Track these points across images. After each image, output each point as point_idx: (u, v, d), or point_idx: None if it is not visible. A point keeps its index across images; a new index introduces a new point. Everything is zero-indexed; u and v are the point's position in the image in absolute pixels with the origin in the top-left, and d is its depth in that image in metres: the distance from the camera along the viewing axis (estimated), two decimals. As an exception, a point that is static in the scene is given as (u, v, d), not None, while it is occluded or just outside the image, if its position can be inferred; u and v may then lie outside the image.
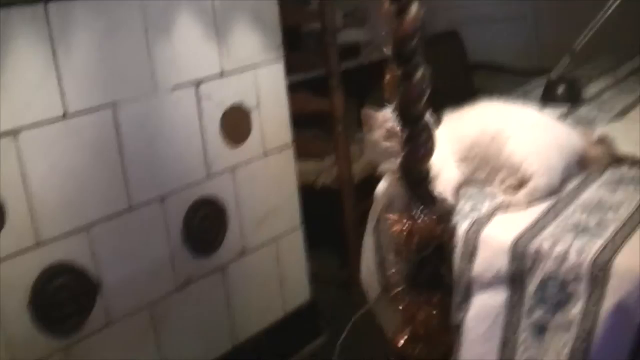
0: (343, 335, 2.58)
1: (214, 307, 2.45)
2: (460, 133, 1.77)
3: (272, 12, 2.53)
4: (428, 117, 1.51)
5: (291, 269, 2.76)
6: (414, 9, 1.42)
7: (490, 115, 1.80)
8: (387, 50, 1.48)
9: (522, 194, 1.64)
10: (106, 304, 2.11)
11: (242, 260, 2.53)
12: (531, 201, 1.62)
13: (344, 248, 3.24)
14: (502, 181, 1.71)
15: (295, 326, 2.75)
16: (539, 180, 1.64)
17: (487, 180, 1.75)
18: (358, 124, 1.84)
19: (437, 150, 1.54)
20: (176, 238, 2.29)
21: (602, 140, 1.85)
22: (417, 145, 1.51)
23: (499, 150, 1.71)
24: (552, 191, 1.64)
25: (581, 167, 1.76)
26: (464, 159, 1.75)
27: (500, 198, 1.67)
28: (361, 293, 2.01)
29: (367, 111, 1.74)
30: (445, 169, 1.70)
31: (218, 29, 2.34)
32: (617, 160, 1.79)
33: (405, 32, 1.44)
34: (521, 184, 1.67)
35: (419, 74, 1.46)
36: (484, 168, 1.74)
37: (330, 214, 3.26)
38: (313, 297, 2.87)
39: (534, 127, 1.74)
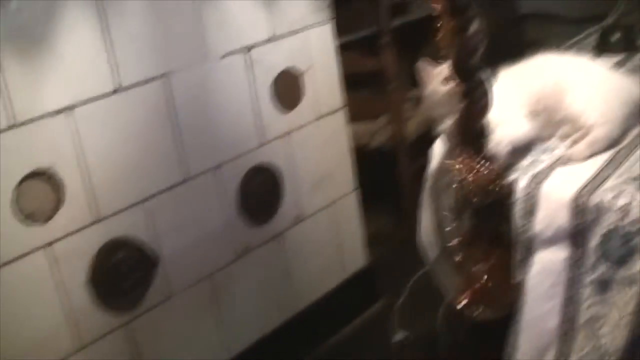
0: (401, 300, 2.60)
1: (272, 275, 2.50)
2: (524, 87, 1.80)
3: (322, -29, 2.54)
4: (484, 72, 1.55)
5: (348, 234, 2.76)
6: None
7: (549, 67, 1.83)
8: (436, 5, 1.51)
9: (583, 144, 1.67)
10: (166, 277, 2.16)
11: (298, 227, 2.56)
12: (593, 152, 1.65)
13: (400, 207, 3.27)
14: (564, 134, 1.75)
15: (354, 291, 2.77)
16: (600, 131, 1.67)
17: (551, 135, 1.78)
18: (411, 83, 1.87)
19: (503, 105, 1.58)
20: (232, 207, 2.34)
21: None
22: (473, 101, 1.57)
23: (559, 102, 1.74)
24: (613, 141, 1.67)
25: None
26: (533, 113, 1.78)
27: (561, 150, 1.70)
28: (419, 253, 2.03)
29: (421, 64, 1.77)
30: (513, 123, 1.74)
31: (267, -9, 2.37)
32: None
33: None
34: (582, 136, 1.69)
35: (474, 26, 1.51)
36: (551, 121, 1.77)
37: (386, 174, 3.28)
38: (371, 261, 2.88)
39: (592, 77, 1.77)
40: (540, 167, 1.64)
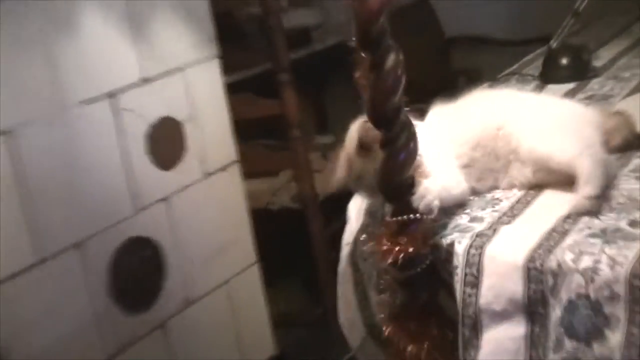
0: None
1: None
2: (457, 130, 1.78)
3: (201, -4, 2.53)
4: (405, 115, 1.50)
5: (250, 317, 2.77)
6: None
7: (490, 106, 1.83)
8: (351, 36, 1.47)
9: (584, 188, 1.60)
10: None
11: (187, 312, 2.53)
12: (597, 193, 1.59)
13: (314, 280, 3.23)
14: (515, 182, 1.75)
15: None
16: (587, 164, 1.62)
17: (492, 186, 1.77)
18: (316, 127, 1.85)
19: (432, 152, 1.57)
20: (102, 293, 2.27)
21: (620, 114, 1.88)
22: (397, 149, 1.51)
23: (505, 146, 1.73)
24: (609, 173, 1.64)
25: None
26: (470, 160, 1.76)
27: (505, 204, 1.68)
28: (342, 336, 2.02)
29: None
30: (445, 173, 1.70)
31: (134, 23, 2.33)
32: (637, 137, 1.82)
33: (371, 9, 1.42)
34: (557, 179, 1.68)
35: (390, 59, 1.46)
36: (492, 170, 1.76)
37: (293, 241, 3.26)
38: (281, 349, 2.85)
39: (545, 111, 1.78)
40: (482, 225, 1.61)
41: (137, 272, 2.35)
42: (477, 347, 1.54)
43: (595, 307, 1.40)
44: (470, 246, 1.55)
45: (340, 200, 2.07)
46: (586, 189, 1.59)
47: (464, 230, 1.60)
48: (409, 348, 1.63)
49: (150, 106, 2.39)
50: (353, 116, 1.75)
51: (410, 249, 1.55)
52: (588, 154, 1.63)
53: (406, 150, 1.51)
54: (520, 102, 1.85)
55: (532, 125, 1.72)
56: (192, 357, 2.54)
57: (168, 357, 2.47)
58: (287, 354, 2.89)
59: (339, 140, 1.80)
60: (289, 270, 3.37)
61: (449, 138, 1.75)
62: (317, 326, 3.26)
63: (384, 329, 1.69)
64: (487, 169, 1.76)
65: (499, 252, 1.53)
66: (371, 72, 1.47)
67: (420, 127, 1.60)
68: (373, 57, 1.46)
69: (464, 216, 1.66)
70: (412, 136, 1.51)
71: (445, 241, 1.59)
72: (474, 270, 1.54)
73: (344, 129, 1.78)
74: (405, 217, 1.54)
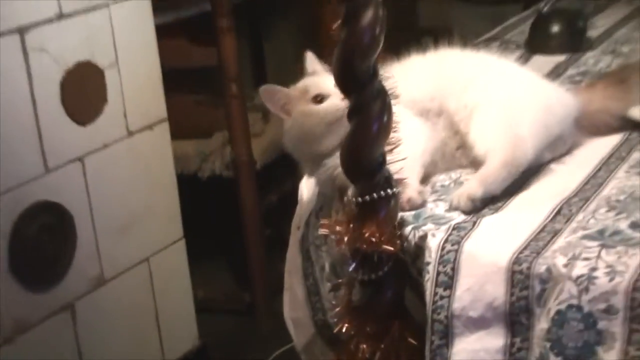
0: None
1: None
2: (414, 81, 1.79)
3: None
4: (380, 81, 1.49)
5: (171, 301, 2.76)
6: None
7: (451, 63, 1.86)
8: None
9: (474, 181, 1.66)
10: None
11: (98, 292, 2.52)
12: (486, 193, 1.63)
13: (244, 262, 3.23)
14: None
15: None
16: (495, 160, 1.67)
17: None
18: (255, 82, 1.85)
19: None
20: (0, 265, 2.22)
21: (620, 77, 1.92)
22: (369, 119, 1.49)
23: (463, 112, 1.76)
24: (513, 179, 1.67)
25: (582, 127, 1.82)
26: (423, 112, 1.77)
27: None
28: (272, 328, 2.13)
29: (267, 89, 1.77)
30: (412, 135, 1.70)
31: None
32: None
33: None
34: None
35: (369, 13, 1.43)
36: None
37: (223, 215, 3.26)
38: (203, 340, 2.87)
39: (509, 93, 1.78)
40: (460, 216, 1.60)
41: (43, 242, 2.32)
42: (446, 358, 1.53)
43: (588, 321, 1.39)
44: (446, 240, 1.53)
45: (281, 171, 2.06)
46: (473, 187, 1.63)
47: (439, 221, 1.59)
48: (362, 347, 1.61)
49: (67, 47, 2.36)
50: (298, 71, 1.76)
51: (374, 239, 1.53)
52: (505, 157, 1.66)
53: (379, 122, 1.48)
54: (491, 75, 1.84)
55: (489, 109, 1.73)
56: (102, 344, 2.53)
57: (74, 342, 2.46)
58: (208, 346, 2.88)
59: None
60: (216, 249, 3.36)
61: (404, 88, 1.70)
62: (244, 315, 3.26)
63: (337, 327, 1.67)
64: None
65: (480, 249, 1.51)
66: (344, 25, 1.44)
67: None
68: (348, 7, 1.43)
69: (440, 203, 1.65)
70: (387, 107, 1.49)
71: (417, 233, 1.57)
72: (449, 269, 1.52)
73: (287, 82, 1.80)
74: (372, 195, 1.52)
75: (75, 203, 2.40)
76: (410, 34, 2.70)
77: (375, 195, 1.51)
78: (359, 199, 1.52)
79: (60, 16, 2.31)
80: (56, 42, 2.31)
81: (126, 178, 2.55)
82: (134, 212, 2.59)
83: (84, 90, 2.39)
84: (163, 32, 2.72)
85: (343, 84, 1.49)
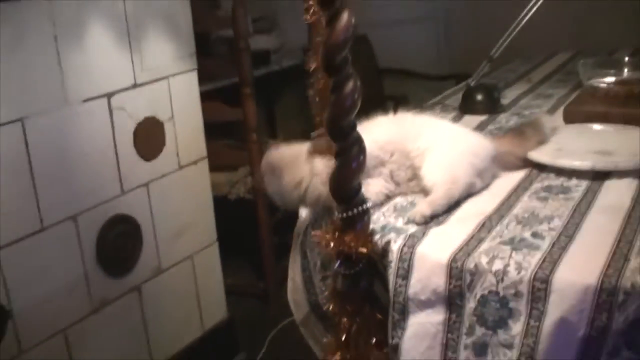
0: (260, 354, 2.58)
1: (130, 328, 2.39)
2: (376, 135, 1.74)
3: (186, 17, 2.46)
4: (356, 131, 1.46)
5: (208, 286, 2.69)
6: (345, 17, 1.35)
7: (403, 122, 1.81)
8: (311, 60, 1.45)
9: (425, 203, 1.62)
10: (18, 332, 2.00)
11: (158, 279, 2.47)
12: (434, 212, 1.61)
13: (259, 260, 3.20)
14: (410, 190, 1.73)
15: (213, 344, 2.70)
16: (441, 190, 1.64)
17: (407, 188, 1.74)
18: (268, 133, 1.82)
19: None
20: (90, 258, 2.23)
21: (533, 125, 1.91)
22: (350, 158, 1.46)
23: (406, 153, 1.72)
24: (454, 201, 1.65)
25: (499, 164, 1.79)
26: (382, 162, 1.73)
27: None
28: (280, 307, 2.04)
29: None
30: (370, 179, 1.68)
31: (131, 36, 2.24)
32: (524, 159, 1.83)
33: (336, 41, 1.37)
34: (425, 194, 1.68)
35: (350, 84, 1.41)
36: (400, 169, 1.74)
37: (245, 226, 3.23)
38: (231, 314, 2.80)
39: (449, 142, 1.75)
40: (414, 228, 1.57)
41: (120, 243, 2.31)
42: (403, 328, 1.51)
43: (503, 302, 1.38)
44: (404, 245, 1.51)
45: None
46: (424, 208, 1.60)
47: (399, 231, 1.56)
48: (344, 321, 1.58)
49: (139, 107, 2.33)
50: (298, 125, 1.73)
51: (353, 244, 1.51)
52: (446, 187, 1.64)
53: (357, 160, 1.46)
54: (436, 129, 1.81)
55: (434, 152, 1.70)
56: (160, 315, 2.49)
57: (141, 313, 2.44)
58: (235, 317, 2.85)
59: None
60: (240, 251, 3.32)
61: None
62: (260, 297, 3.24)
63: (325, 306, 1.66)
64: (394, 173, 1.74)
65: (428, 251, 1.49)
66: (332, 93, 1.41)
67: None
68: (335, 81, 1.41)
69: (399, 218, 1.62)
70: (362, 149, 1.46)
71: (383, 239, 1.55)
72: (405, 266, 1.50)
73: (290, 134, 1.76)
74: (352, 211, 1.50)
75: (142, 216, 2.37)
76: (377, 101, 2.68)
77: (354, 211, 1.49)
78: (342, 215, 1.50)
79: (135, 85, 2.29)
80: (131, 103, 2.28)
81: (178, 199, 2.51)
82: (182, 223, 2.55)
83: (149, 137, 2.37)
84: (205, 97, 2.69)
85: (332, 134, 1.46)
